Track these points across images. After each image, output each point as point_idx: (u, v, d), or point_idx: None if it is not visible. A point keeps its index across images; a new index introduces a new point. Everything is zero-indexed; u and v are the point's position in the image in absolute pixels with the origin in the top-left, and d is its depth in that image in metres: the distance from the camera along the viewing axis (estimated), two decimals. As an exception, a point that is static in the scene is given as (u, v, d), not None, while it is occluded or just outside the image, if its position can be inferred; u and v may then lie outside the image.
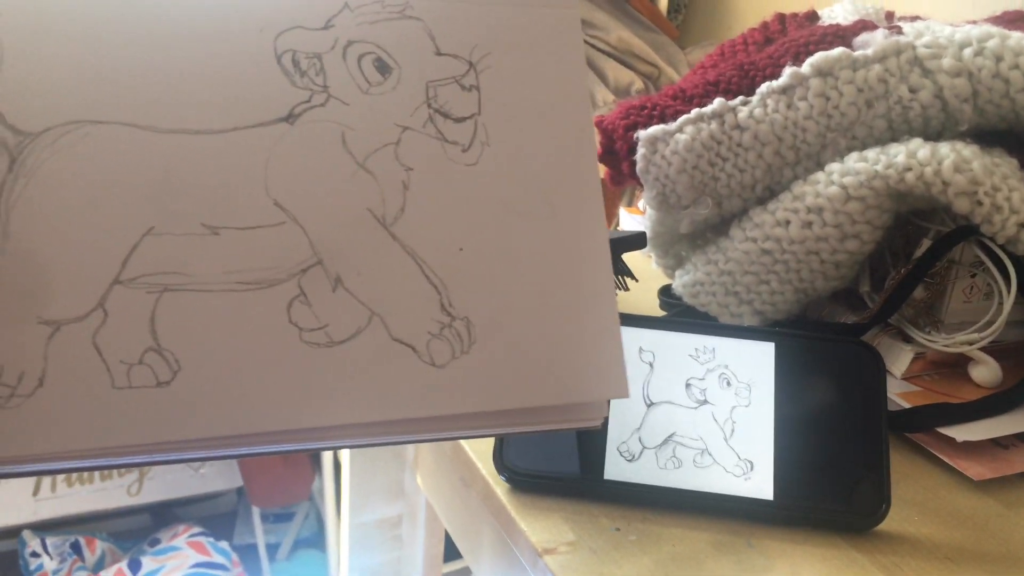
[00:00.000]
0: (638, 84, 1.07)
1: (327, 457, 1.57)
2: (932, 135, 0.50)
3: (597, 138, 0.55)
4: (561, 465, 0.42)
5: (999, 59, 0.48)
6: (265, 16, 0.33)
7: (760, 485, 0.42)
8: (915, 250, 0.51)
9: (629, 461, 0.42)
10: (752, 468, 0.42)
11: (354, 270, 0.32)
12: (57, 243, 0.30)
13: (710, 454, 0.42)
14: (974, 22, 0.56)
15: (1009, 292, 0.48)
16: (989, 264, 0.49)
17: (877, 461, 0.42)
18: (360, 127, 0.33)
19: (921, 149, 0.47)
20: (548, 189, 0.35)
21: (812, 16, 0.63)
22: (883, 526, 0.41)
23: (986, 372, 0.50)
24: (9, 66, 0.30)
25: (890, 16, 0.64)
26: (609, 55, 1.08)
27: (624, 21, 1.12)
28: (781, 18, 0.62)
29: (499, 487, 0.43)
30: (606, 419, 0.36)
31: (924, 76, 0.49)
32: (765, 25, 0.61)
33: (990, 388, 0.50)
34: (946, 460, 0.46)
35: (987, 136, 0.50)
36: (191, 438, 0.30)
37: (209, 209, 0.31)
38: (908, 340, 0.53)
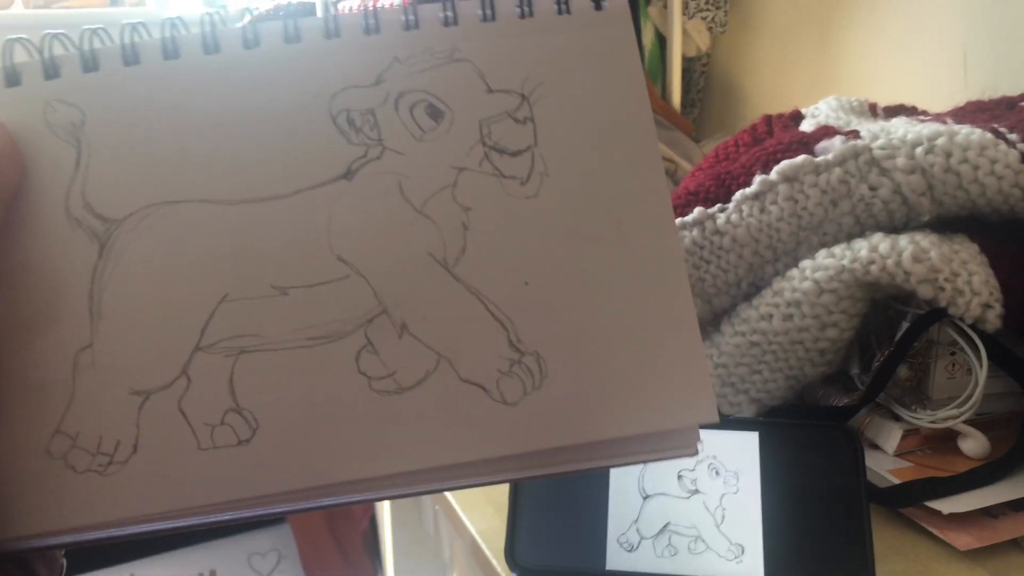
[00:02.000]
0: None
1: (388, 556, 1.57)
2: (898, 226, 0.54)
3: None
4: (566, 558, 0.46)
5: (948, 155, 0.51)
6: (319, 81, 0.35)
7: (751, 568, 0.44)
8: (897, 332, 0.54)
9: (629, 551, 0.45)
10: (743, 552, 0.44)
11: (419, 315, 0.33)
12: (144, 318, 0.32)
13: (703, 540, 0.45)
14: (940, 115, 0.62)
15: (982, 368, 0.50)
16: (962, 343, 0.51)
17: (860, 538, 0.44)
18: (416, 174, 0.34)
19: (882, 243, 0.51)
20: (615, 211, 0.34)
21: (796, 116, 0.69)
22: (874, 598, 0.44)
23: (974, 444, 0.52)
24: (95, 162, 0.33)
25: (873, 108, 0.70)
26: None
27: (639, 122, 1.14)
28: (768, 120, 0.68)
29: (511, 581, 0.47)
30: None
31: (882, 175, 0.53)
32: (754, 127, 0.68)
33: (980, 459, 0.52)
34: (934, 532, 0.47)
35: (951, 223, 0.54)
36: (272, 492, 0.31)
37: (278, 271, 0.33)
38: (898, 418, 0.55)
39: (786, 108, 0.71)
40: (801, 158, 0.55)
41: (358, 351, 0.32)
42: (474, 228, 0.34)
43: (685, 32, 1.29)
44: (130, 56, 0.35)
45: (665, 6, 1.28)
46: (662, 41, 1.29)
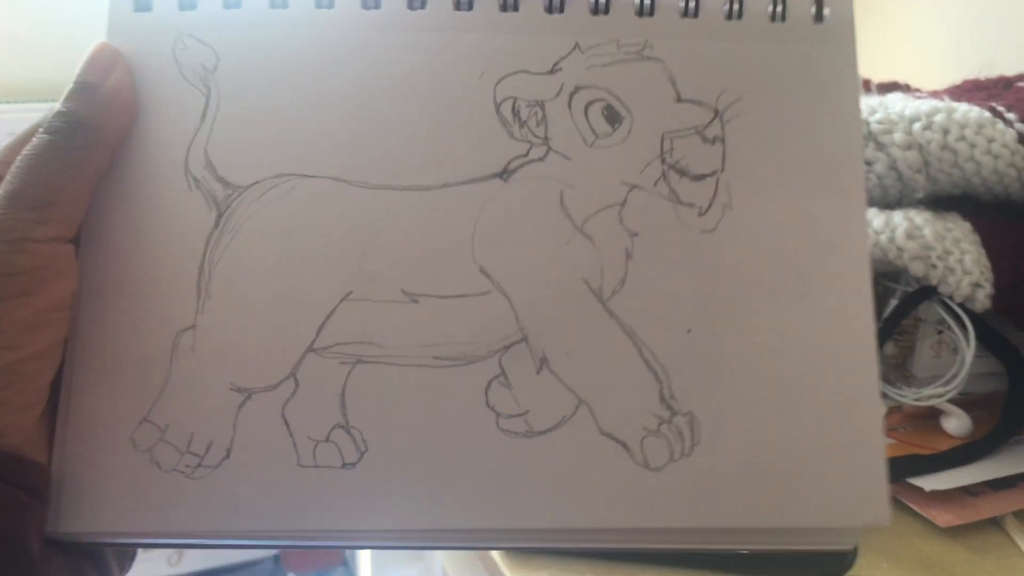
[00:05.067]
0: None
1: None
2: (891, 203, 0.53)
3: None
4: None
5: (946, 132, 0.51)
6: (486, 59, 0.30)
7: None
8: (885, 309, 0.53)
9: None
10: None
11: (562, 350, 0.28)
12: (256, 306, 0.28)
13: None
14: (937, 92, 0.61)
15: (969, 347, 0.50)
16: (950, 321, 0.51)
17: None
18: (581, 185, 0.29)
19: (876, 218, 0.50)
20: (803, 261, 0.29)
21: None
22: (852, 573, 0.41)
23: (957, 423, 0.52)
24: (223, 116, 0.29)
25: (867, 84, 0.69)
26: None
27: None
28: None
29: (494, 545, 0.47)
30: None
31: (878, 150, 0.52)
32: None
33: (962, 438, 0.52)
34: (915, 508, 0.47)
35: (944, 201, 0.53)
36: (373, 528, 0.27)
37: (410, 274, 0.28)
38: (882, 395, 0.51)
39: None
40: (796, 129, 0.55)
41: (489, 381, 0.28)
42: (638, 258, 0.29)
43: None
44: (278, -3, 0.30)
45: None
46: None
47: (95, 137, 0.28)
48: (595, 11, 0.30)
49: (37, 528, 0.26)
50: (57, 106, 0.28)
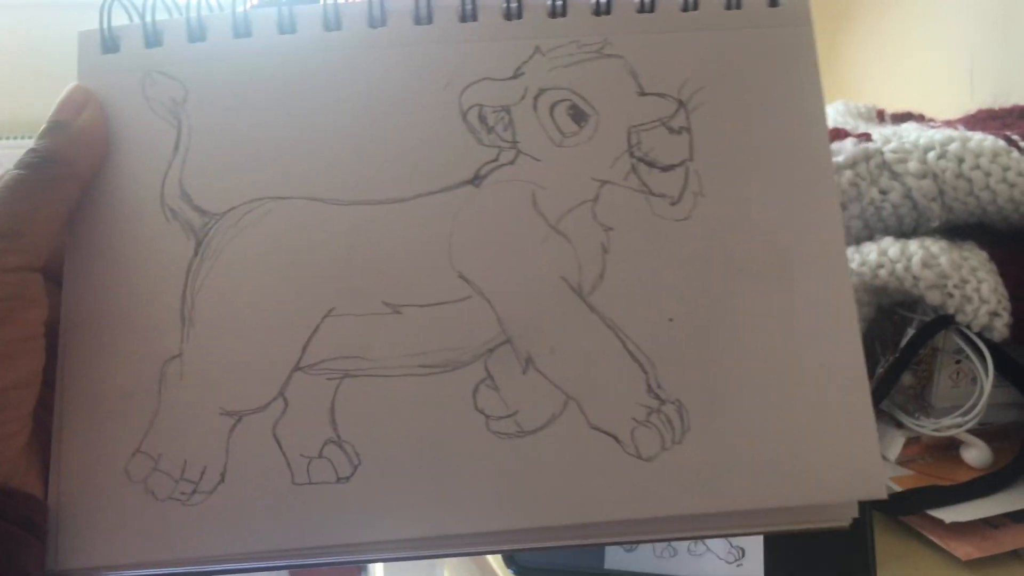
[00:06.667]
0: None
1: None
2: (907, 231, 0.54)
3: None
4: (564, 557, 0.44)
5: (961, 160, 0.51)
6: (449, 70, 0.30)
7: (751, 572, 0.43)
8: (902, 339, 0.53)
9: (627, 551, 0.44)
10: (744, 555, 0.43)
11: (547, 348, 0.29)
12: (240, 330, 0.28)
13: (703, 542, 0.44)
14: (951, 121, 0.61)
15: (987, 377, 0.49)
16: (968, 351, 0.50)
17: (862, 545, 0.43)
18: (552, 185, 0.30)
19: (892, 247, 0.51)
20: (780, 243, 0.30)
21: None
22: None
23: (976, 454, 0.52)
24: (196, 146, 0.30)
25: (881, 114, 0.70)
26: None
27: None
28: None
29: (510, 580, 0.47)
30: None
31: (893, 179, 0.53)
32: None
33: (981, 469, 0.51)
34: (936, 541, 0.46)
35: (960, 230, 0.53)
36: (371, 540, 0.27)
37: (391, 285, 0.29)
38: (900, 426, 0.54)
39: (791, 114, 0.71)
40: (812, 159, 0.56)
41: (476, 385, 0.28)
42: (615, 252, 0.29)
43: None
44: (241, 27, 0.31)
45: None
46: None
47: (65, 171, 0.28)
48: (553, 14, 0.31)
49: (36, 566, 0.26)
50: (30, 144, 0.29)
